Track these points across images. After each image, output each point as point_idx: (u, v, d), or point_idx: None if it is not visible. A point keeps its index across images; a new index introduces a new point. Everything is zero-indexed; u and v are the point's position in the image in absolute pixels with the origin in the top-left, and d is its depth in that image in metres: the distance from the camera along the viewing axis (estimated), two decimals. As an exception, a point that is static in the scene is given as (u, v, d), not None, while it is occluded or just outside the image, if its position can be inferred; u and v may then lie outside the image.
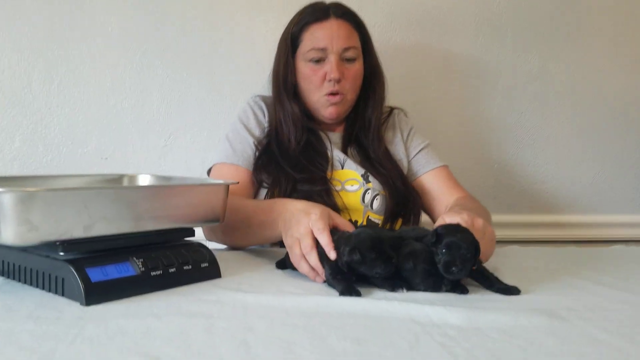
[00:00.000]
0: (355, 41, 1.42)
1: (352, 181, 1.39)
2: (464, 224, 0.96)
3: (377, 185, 1.39)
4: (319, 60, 1.39)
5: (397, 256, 0.93)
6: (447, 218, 0.99)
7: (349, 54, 1.39)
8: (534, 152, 1.97)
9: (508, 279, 1.00)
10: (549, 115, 1.96)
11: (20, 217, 0.79)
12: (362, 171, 1.40)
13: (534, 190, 1.97)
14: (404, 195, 1.40)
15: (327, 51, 1.38)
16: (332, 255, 0.94)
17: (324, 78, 1.38)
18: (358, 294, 0.90)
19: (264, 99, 1.50)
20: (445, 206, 1.40)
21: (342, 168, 1.41)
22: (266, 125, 1.45)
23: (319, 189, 1.32)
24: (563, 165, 1.98)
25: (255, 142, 1.42)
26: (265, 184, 1.37)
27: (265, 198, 1.35)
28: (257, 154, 1.40)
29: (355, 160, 1.43)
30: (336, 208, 1.31)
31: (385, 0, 1.83)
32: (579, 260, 1.29)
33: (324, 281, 0.98)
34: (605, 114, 1.99)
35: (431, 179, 1.49)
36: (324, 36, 1.38)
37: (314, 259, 0.98)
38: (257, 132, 1.44)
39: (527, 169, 1.97)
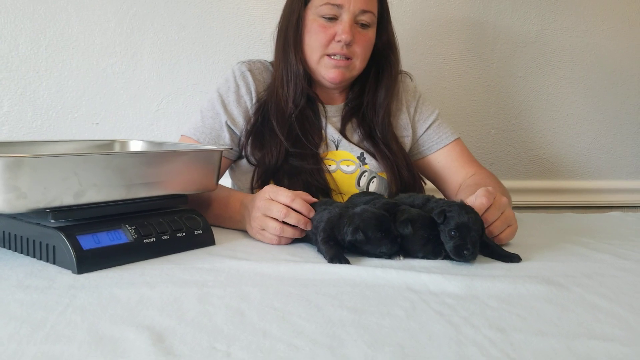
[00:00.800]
0: (374, 7, 1.30)
1: (347, 161, 1.31)
2: (486, 199, 0.97)
3: (374, 167, 1.31)
4: (331, 18, 1.26)
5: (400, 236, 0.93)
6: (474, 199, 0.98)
7: (365, 18, 1.27)
8: (531, 117, 1.95)
9: (505, 246, 0.99)
10: (547, 80, 1.94)
11: (8, 184, 0.77)
12: (358, 153, 1.32)
13: (531, 156, 1.96)
14: (407, 182, 1.32)
15: (343, 9, 1.25)
16: (311, 213, 0.99)
17: (332, 38, 1.27)
18: (347, 262, 0.89)
19: (250, 67, 1.36)
20: (460, 184, 1.35)
21: (337, 149, 1.33)
22: (250, 104, 1.33)
23: (309, 167, 1.25)
24: (560, 131, 1.97)
25: (228, 122, 1.30)
26: (253, 161, 1.29)
27: (253, 175, 1.28)
28: (247, 128, 1.31)
29: (352, 138, 1.34)
30: (327, 189, 1.25)
31: (382, -39, 1.78)
32: (575, 227, 1.29)
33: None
34: (603, 79, 1.97)
35: (444, 156, 1.41)
36: None
37: (293, 215, 0.98)
38: (235, 109, 1.31)
39: (524, 135, 1.95)
